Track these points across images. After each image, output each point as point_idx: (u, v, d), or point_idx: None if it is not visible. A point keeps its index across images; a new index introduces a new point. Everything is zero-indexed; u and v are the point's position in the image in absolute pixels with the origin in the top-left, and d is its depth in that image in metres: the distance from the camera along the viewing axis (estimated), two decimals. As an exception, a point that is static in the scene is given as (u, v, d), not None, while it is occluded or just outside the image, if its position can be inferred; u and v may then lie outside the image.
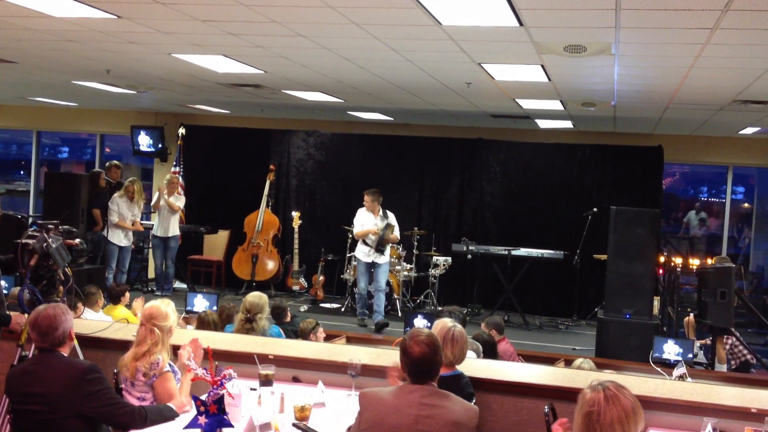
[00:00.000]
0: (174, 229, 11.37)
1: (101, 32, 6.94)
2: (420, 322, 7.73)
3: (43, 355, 3.87)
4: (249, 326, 6.10)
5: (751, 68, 6.73)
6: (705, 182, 16.58)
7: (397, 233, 10.29)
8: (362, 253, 10.19)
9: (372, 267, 10.16)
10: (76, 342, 4.64)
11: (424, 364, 3.52)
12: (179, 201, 11.45)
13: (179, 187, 11.90)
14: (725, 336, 8.34)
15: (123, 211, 10.73)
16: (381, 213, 10.23)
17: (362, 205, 10.32)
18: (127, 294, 7.92)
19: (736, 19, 5.08)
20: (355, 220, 10.32)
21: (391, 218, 10.29)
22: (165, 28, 6.62)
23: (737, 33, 5.49)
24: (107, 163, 11.57)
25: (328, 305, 11.44)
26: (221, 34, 6.67)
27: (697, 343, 8.54)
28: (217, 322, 6.65)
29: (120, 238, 10.73)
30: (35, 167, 16.19)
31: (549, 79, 7.91)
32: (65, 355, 3.91)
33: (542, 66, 7.23)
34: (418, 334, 3.60)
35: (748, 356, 8.34)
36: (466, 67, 7.50)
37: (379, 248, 10.08)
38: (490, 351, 6.25)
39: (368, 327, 9.96)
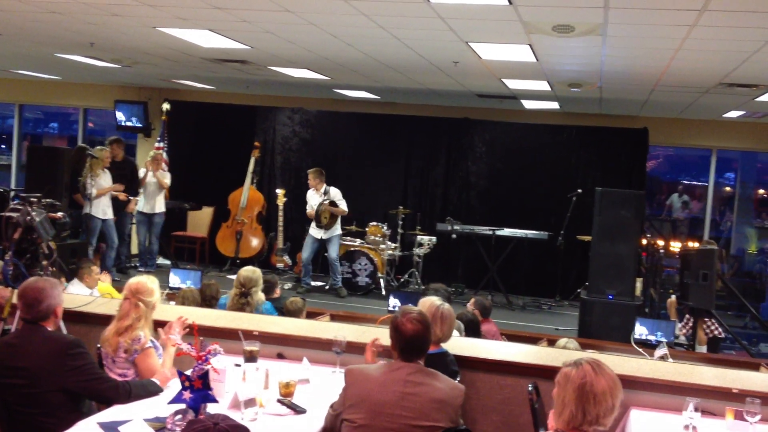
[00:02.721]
0: (160, 206, 11.27)
1: (85, 4, 6.85)
2: (404, 301, 7.71)
3: (27, 328, 3.85)
4: (244, 301, 6.08)
5: (738, 51, 6.74)
6: (688, 165, 16.67)
7: (342, 207, 10.74)
8: (313, 229, 10.73)
9: (321, 242, 10.76)
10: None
11: (416, 342, 3.52)
12: (165, 177, 11.35)
13: (164, 163, 11.78)
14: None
15: (101, 182, 10.45)
16: (323, 190, 10.71)
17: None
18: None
19: (724, 0, 5.08)
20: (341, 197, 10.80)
21: (334, 193, 10.74)
22: (150, 0, 6.54)
23: (725, 15, 5.49)
24: (108, 139, 11.14)
25: (312, 283, 11.41)
26: (207, 8, 6.60)
27: (679, 325, 8.62)
28: (197, 299, 6.63)
29: (104, 211, 10.45)
30: (17, 141, 16.01)
31: (536, 59, 7.90)
32: (49, 329, 3.89)
33: (530, 46, 7.21)
34: (410, 311, 3.61)
35: (716, 332, 8.45)
36: (453, 45, 7.47)
37: (318, 224, 10.60)
38: (473, 330, 6.26)
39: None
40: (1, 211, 4.68)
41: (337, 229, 10.78)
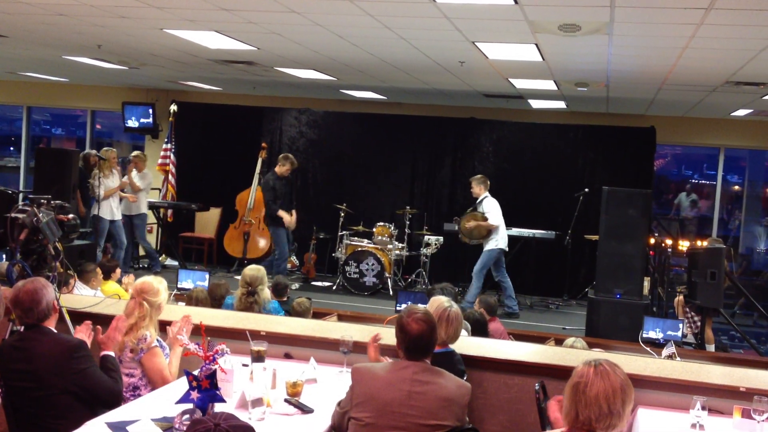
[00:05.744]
0: (137, 208, 11.22)
1: (92, 6, 6.88)
2: (412, 300, 7.70)
3: (31, 331, 3.85)
4: (252, 299, 6.09)
5: (745, 49, 6.72)
6: (696, 164, 16.62)
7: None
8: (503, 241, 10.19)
9: None
10: (67, 317, 4.64)
11: (420, 342, 3.53)
12: (144, 178, 11.22)
13: (172, 165, 11.78)
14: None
15: (109, 183, 10.52)
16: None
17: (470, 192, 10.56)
18: (118, 270, 7.89)
19: (731, -1, 5.08)
20: (496, 210, 10.20)
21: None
22: (157, 2, 6.56)
23: (732, 13, 5.48)
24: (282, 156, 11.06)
25: (319, 283, 11.46)
26: (214, 9, 6.62)
27: (686, 321, 8.61)
28: (206, 300, 6.64)
29: (112, 212, 10.54)
30: (26, 143, 16.07)
31: (543, 59, 7.89)
32: (53, 329, 3.90)
33: (536, 45, 7.21)
34: (416, 311, 3.61)
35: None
36: (459, 45, 7.48)
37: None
38: (480, 330, 6.26)
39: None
40: (7, 213, 4.68)
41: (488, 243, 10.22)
